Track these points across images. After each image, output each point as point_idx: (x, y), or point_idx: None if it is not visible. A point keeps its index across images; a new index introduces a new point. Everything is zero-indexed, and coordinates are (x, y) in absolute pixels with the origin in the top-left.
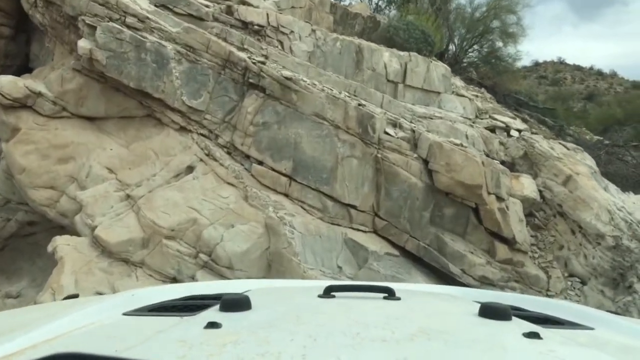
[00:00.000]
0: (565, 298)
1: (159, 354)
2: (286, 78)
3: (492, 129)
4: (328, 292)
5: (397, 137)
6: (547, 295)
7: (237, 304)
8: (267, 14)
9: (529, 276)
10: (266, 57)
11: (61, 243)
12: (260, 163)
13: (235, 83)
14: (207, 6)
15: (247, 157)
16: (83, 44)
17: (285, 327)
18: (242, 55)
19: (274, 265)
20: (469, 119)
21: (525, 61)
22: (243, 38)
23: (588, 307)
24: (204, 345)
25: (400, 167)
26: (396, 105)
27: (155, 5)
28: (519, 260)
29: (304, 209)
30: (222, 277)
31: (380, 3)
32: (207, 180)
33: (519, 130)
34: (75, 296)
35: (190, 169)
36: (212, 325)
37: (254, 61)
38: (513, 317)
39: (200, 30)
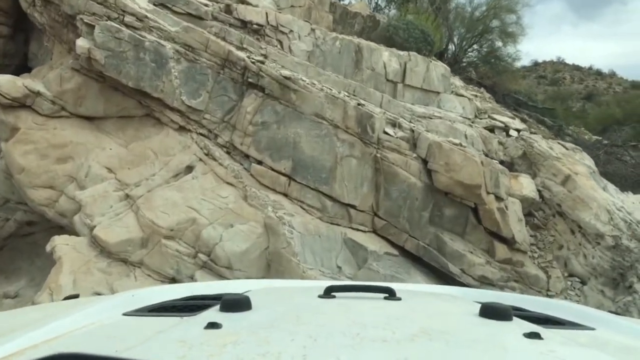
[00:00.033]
0: (565, 298)
1: (159, 354)
2: (285, 77)
3: (491, 129)
4: (328, 292)
5: (397, 137)
6: (547, 295)
7: (237, 304)
8: (266, 13)
9: (529, 276)
10: (265, 56)
11: (60, 243)
12: (260, 163)
13: (234, 82)
14: (206, 5)
15: (247, 156)
16: (81, 43)
17: (285, 328)
18: (241, 54)
19: (273, 265)
20: (468, 119)
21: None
22: (242, 37)
23: (588, 307)
24: (204, 346)
25: (399, 166)
26: (395, 105)
27: (154, 4)
28: (519, 260)
29: (303, 209)
30: (221, 277)
31: (379, 2)
32: (206, 180)
33: (518, 130)
34: (76, 296)
35: (189, 168)
36: (213, 325)
37: (253, 60)
38: (514, 318)
39: (199, 29)
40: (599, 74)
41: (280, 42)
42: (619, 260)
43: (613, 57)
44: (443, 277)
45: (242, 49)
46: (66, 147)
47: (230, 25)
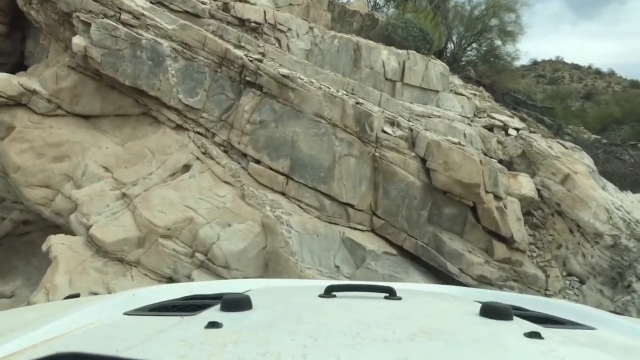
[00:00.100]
0: (564, 297)
1: (160, 354)
2: (283, 76)
3: (491, 128)
4: (329, 292)
5: (395, 136)
6: (546, 295)
7: (238, 304)
8: (265, 12)
9: (528, 276)
10: (263, 55)
11: (56, 242)
12: (258, 162)
13: (232, 81)
14: (203, 3)
15: (245, 155)
16: (78, 41)
17: (286, 327)
18: (239, 53)
19: (271, 264)
20: (468, 118)
21: (523, 60)
22: (240, 36)
23: (589, 307)
24: (205, 345)
25: (398, 166)
26: (394, 104)
27: (151, 2)
28: (518, 259)
29: (302, 208)
30: (219, 276)
31: (378, 1)
32: (203, 179)
33: (517, 129)
34: (76, 296)
35: (186, 167)
36: (213, 325)
37: (251, 59)
38: (514, 317)
39: (197, 27)
40: (598, 73)
41: (279, 41)
42: (618, 259)
43: (612, 57)
44: (442, 276)
45: (240, 47)
46: (62, 146)
47: (228, 23)
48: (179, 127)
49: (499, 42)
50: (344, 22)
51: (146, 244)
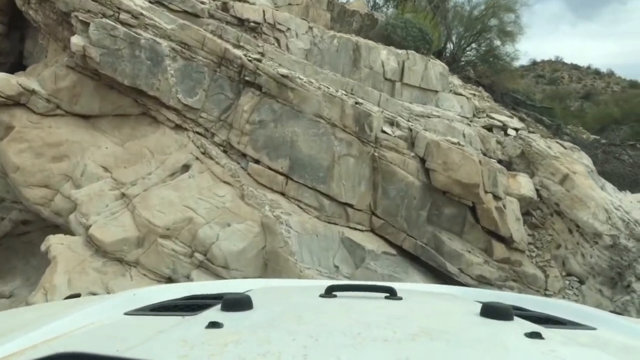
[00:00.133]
0: (563, 297)
1: (161, 354)
2: (282, 76)
3: (490, 128)
4: (329, 291)
5: (394, 136)
6: (545, 295)
7: (238, 303)
8: (264, 11)
9: (527, 275)
10: (262, 54)
11: (54, 242)
12: (257, 162)
13: (231, 81)
14: (202, 3)
15: (244, 155)
16: (76, 41)
17: (286, 327)
18: (238, 52)
19: (270, 264)
20: (467, 118)
21: (522, 60)
22: (239, 35)
23: (589, 307)
24: (206, 345)
25: (397, 165)
26: (393, 104)
27: (150, 2)
28: (517, 259)
29: (301, 208)
30: (218, 276)
31: (377, 0)
32: (203, 178)
33: (516, 129)
34: (77, 296)
35: (186, 167)
36: (214, 325)
37: (249, 59)
38: (515, 317)
39: (196, 27)
40: (597, 73)
41: (278, 40)
42: (617, 259)
43: (611, 57)
44: (441, 276)
45: (238, 47)
46: (61, 146)
47: (227, 23)
48: (177, 127)
49: (498, 42)
50: (343, 21)
51: (145, 244)
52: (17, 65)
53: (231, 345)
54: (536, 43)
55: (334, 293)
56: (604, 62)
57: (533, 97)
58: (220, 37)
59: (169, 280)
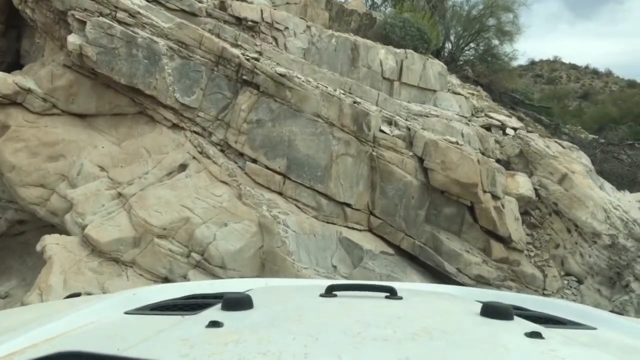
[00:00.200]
0: (562, 297)
1: (161, 353)
2: (280, 75)
3: (488, 127)
4: (330, 291)
5: (393, 135)
6: (544, 294)
7: (238, 303)
8: (262, 10)
9: (525, 275)
10: (260, 53)
11: (50, 242)
12: (254, 161)
13: (228, 80)
14: (200, 1)
15: (241, 155)
16: (73, 40)
17: (286, 327)
18: (236, 51)
19: (268, 264)
20: (465, 117)
21: (521, 60)
22: (237, 34)
23: (589, 306)
24: (206, 344)
25: (395, 165)
26: (392, 103)
27: (147, 0)
28: (515, 259)
29: (298, 208)
30: (215, 276)
31: (376, 0)
32: (200, 178)
33: (515, 129)
34: (77, 295)
35: (183, 167)
36: (214, 324)
37: (247, 58)
38: (515, 317)
39: (193, 26)
40: (595, 72)
41: (276, 39)
42: (616, 259)
43: (609, 56)
44: (439, 276)
45: (236, 45)
46: (57, 145)
47: (225, 22)
48: (175, 126)
49: (496, 42)
50: (341, 20)
51: (141, 244)
52: (13, 64)
53: (231, 344)
54: (534, 43)
55: (334, 292)
56: (602, 62)
57: (531, 96)
58: (217, 36)
59: (166, 280)
